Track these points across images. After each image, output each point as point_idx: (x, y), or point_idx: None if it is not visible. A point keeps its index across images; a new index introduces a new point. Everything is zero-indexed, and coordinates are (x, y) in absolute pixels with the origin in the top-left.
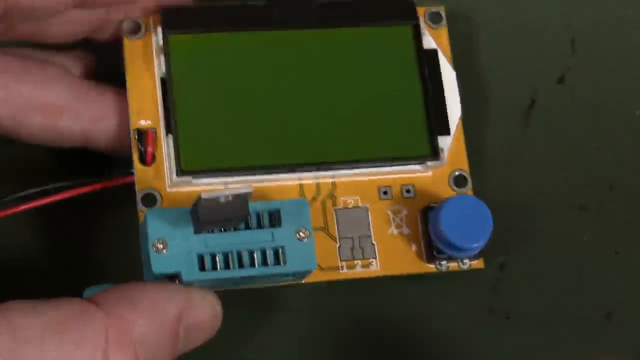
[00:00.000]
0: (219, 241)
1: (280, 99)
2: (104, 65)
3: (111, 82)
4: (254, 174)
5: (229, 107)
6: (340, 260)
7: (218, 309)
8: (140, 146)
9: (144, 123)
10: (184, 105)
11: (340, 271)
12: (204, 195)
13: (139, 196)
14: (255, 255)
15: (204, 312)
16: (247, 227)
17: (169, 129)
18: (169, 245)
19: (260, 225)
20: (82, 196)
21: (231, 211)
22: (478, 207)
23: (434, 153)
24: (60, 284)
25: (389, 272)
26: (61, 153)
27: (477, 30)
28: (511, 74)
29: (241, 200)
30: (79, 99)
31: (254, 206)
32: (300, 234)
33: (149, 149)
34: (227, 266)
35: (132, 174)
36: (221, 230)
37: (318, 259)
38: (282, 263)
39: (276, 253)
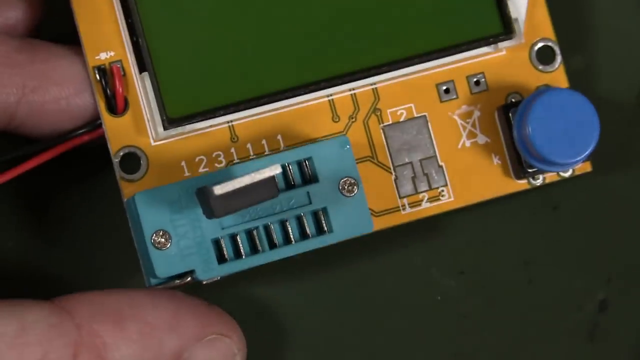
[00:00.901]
0: (237, 218)
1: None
2: None
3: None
4: (266, 103)
5: (218, 18)
6: (400, 198)
7: (238, 357)
8: (105, 89)
9: (105, 56)
10: (157, 23)
11: (402, 212)
12: (217, 191)
13: (115, 159)
14: (289, 226)
15: (217, 355)
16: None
17: (141, 64)
18: (173, 236)
19: (289, 185)
20: (43, 168)
21: (254, 196)
22: (576, 104)
23: (506, 27)
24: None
25: (467, 201)
26: None
27: None
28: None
29: (267, 183)
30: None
31: (275, 158)
32: (347, 187)
33: (119, 91)
34: (254, 250)
35: (101, 126)
36: None
37: (371, 201)
38: (326, 231)
39: (317, 219)
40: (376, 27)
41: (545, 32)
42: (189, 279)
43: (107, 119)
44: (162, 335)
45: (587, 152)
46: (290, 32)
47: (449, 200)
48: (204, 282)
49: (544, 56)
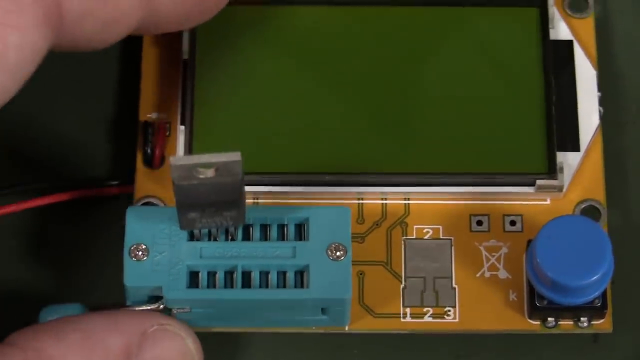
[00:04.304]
0: (218, 252)
1: (339, 90)
2: None
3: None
4: (293, 184)
5: (266, 97)
6: (404, 306)
7: (190, 344)
8: (145, 145)
9: (155, 116)
10: (207, 91)
11: (402, 320)
12: (173, 162)
13: (136, 205)
14: (270, 275)
15: (168, 346)
16: (265, 238)
17: (183, 119)
18: (151, 252)
19: (283, 238)
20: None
21: (219, 194)
22: (589, 231)
23: (550, 169)
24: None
25: (471, 327)
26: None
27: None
28: None
29: (230, 175)
30: None
31: (275, 211)
32: (335, 251)
33: (157, 149)
34: (227, 285)
35: (133, 181)
36: (216, 238)
37: (372, 301)
38: (303, 286)
39: (297, 274)
40: (418, 137)
41: (594, 193)
42: (160, 305)
43: (140, 170)
44: (104, 336)
45: (593, 277)
46: (332, 123)
47: (453, 321)
48: (174, 312)
49: (588, 214)
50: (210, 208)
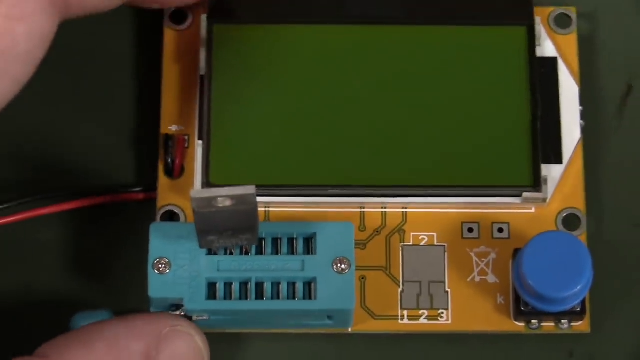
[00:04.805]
0: (234, 265)
1: (343, 107)
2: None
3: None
4: (302, 195)
5: (277, 113)
6: (401, 309)
7: (199, 342)
8: (167, 156)
9: (176, 129)
10: (223, 106)
11: (400, 321)
12: (194, 194)
13: (158, 213)
14: (280, 286)
15: (181, 345)
16: (276, 252)
17: (201, 134)
18: (173, 266)
19: (292, 252)
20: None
21: (235, 220)
22: (572, 246)
23: (535, 183)
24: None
25: (462, 328)
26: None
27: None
28: None
29: (246, 204)
30: None
31: (285, 227)
32: (340, 265)
33: (178, 160)
34: (242, 296)
35: (155, 189)
36: (232, 252)
37: (373, 304)
38: (311, 297)
39: (306, 286)
40: (415, 153)
41: (575, 202)
42: (182, 312)
43: (162, 179)
44: (127, 343)
45: (575, 289)
46: (337, 139)
47: (446, 323)
48: (194, 319)
49: (569, 222)
50: (227, 232)
